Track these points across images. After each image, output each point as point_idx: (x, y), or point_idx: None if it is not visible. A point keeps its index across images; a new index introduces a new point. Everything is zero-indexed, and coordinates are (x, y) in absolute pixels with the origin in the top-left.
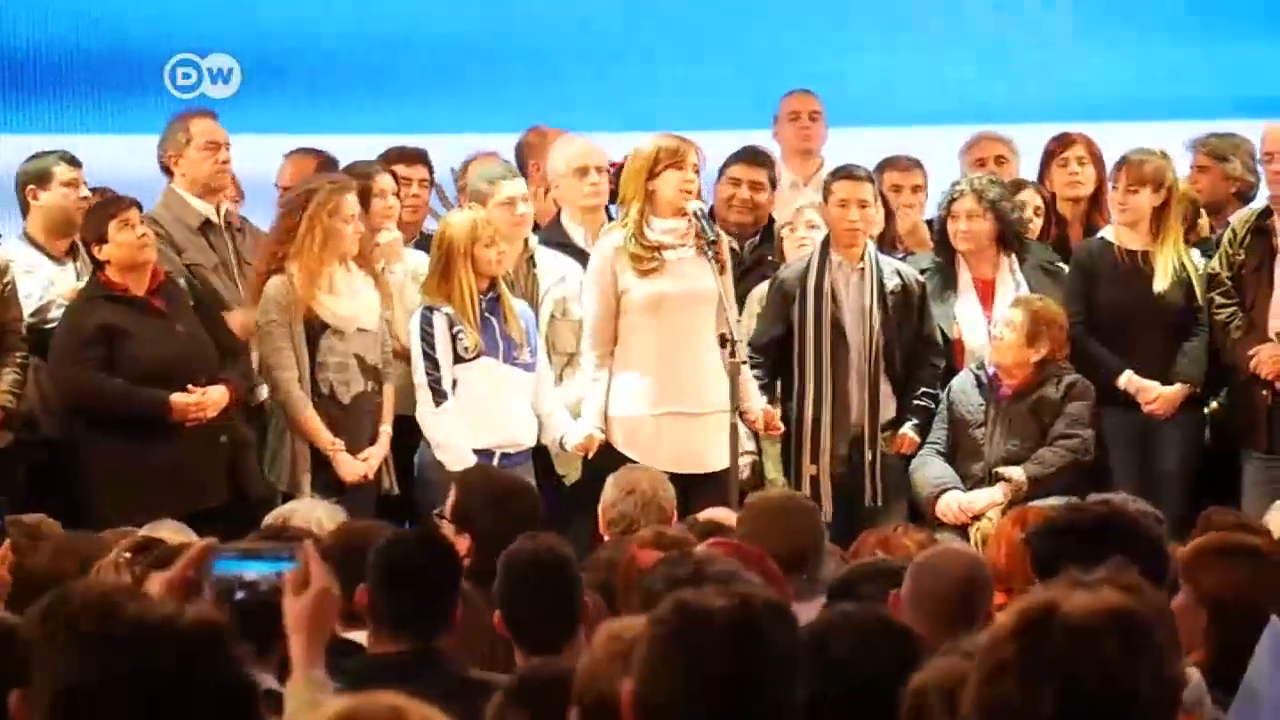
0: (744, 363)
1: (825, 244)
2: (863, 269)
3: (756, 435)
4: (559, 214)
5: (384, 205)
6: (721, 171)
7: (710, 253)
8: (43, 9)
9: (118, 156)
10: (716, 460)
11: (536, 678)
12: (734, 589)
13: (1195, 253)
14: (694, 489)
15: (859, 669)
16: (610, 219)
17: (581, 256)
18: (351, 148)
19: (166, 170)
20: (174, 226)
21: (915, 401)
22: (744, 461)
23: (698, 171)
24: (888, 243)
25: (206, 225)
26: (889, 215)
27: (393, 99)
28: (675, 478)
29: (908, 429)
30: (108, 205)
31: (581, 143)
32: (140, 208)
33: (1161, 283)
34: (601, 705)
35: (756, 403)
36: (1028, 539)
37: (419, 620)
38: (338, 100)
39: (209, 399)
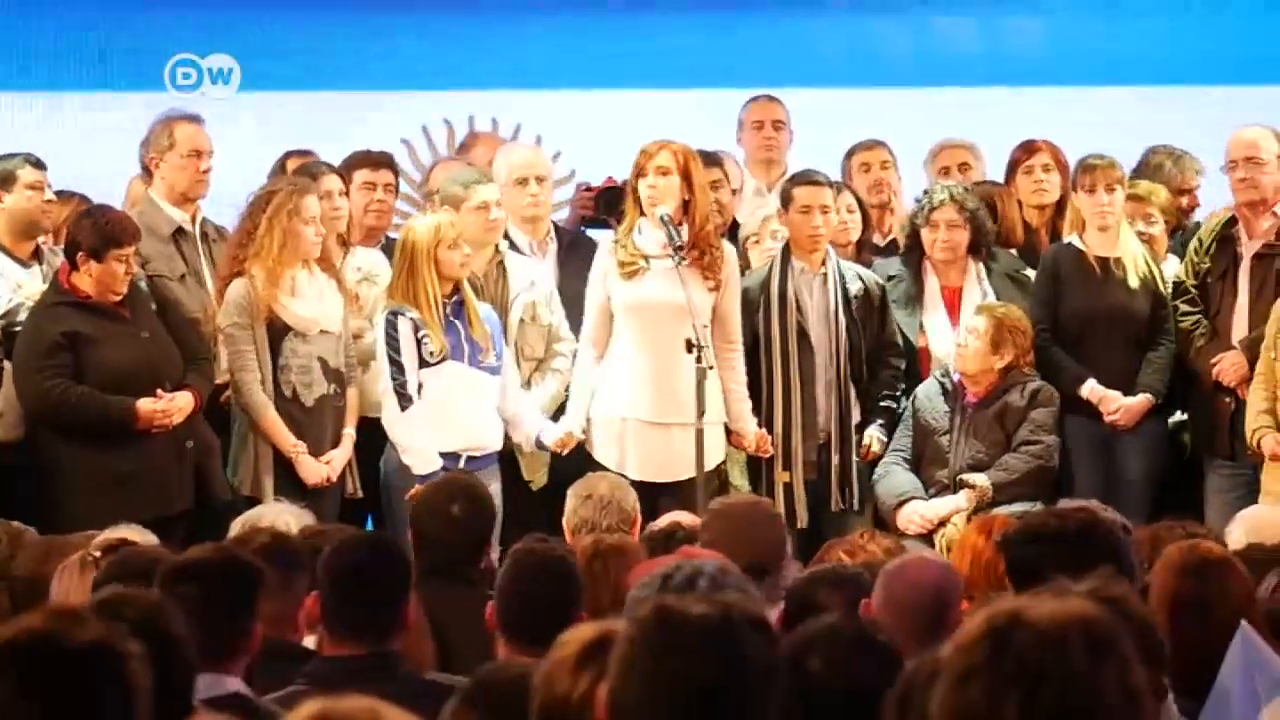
0: (710, 368)
1: (786, 251)
2: (825, 274)
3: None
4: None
5: (330, 207)
6: None
7: (676, 259)
8: (42, 8)
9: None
10: (686, 469)
11: (492, 680)
12: (716, 598)
13: (1173, 260)
14: (663, 496)
15: (839, 684)
16: (556, 229)
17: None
18: (351, 148)
19: (146, 171)
20: (143, 236)
21: (879, 404)
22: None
23: (666, 174)
24: (867, 249)
25: (179, 233)
26: (866, 222)
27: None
28: (645, 485)
29: (873, 431)
30: (120, 235)
31: (524, 152)
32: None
33: (1134, 281)
34: (563, 711)
35: (749, 424)
36: (1004, 545)
37: (372, 624)
38: (337, 100)
39: (175, 405)
